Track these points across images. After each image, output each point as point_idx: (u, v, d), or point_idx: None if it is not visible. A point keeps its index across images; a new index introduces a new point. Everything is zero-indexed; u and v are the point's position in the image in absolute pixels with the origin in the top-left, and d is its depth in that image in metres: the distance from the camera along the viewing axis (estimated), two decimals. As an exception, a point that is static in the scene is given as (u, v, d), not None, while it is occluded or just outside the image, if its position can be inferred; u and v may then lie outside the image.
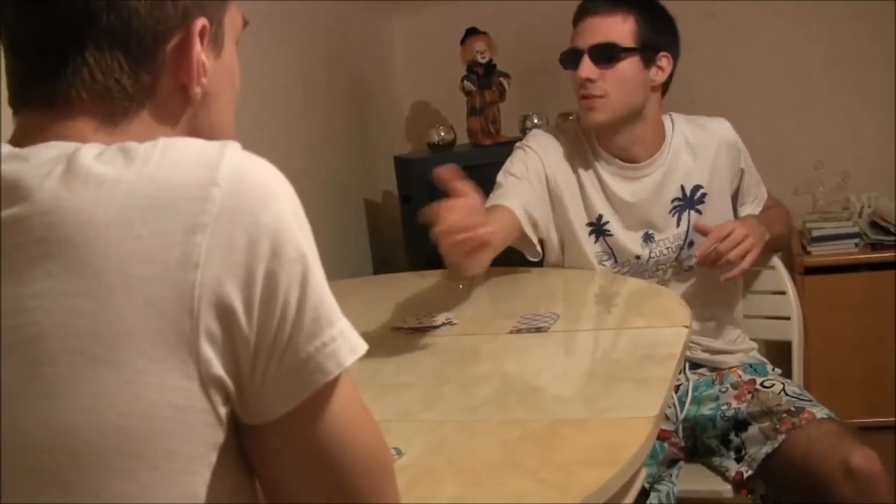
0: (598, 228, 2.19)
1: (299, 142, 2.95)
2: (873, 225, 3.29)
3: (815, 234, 3.23)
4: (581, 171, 2.20)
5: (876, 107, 3.42)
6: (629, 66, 2.10)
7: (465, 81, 3.28)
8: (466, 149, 3.32)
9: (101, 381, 0.74)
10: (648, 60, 2.12)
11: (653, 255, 2.18)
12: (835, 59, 3.44)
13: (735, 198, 2.26)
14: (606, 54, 2.08)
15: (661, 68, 2.14)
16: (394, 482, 0.91)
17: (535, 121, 3.32)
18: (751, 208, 2.27)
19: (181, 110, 0.90)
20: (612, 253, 2.19)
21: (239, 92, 0.99)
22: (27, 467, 0.76)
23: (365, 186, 3.46)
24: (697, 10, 3.48)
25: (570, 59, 2.13)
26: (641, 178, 2.19)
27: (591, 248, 2.19)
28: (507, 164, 2.23)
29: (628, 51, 2.09)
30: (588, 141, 2.23)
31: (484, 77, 3.27)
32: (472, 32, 3.30)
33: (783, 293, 2.35)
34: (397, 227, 3.31)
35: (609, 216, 2.18)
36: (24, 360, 0.75)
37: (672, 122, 2.23)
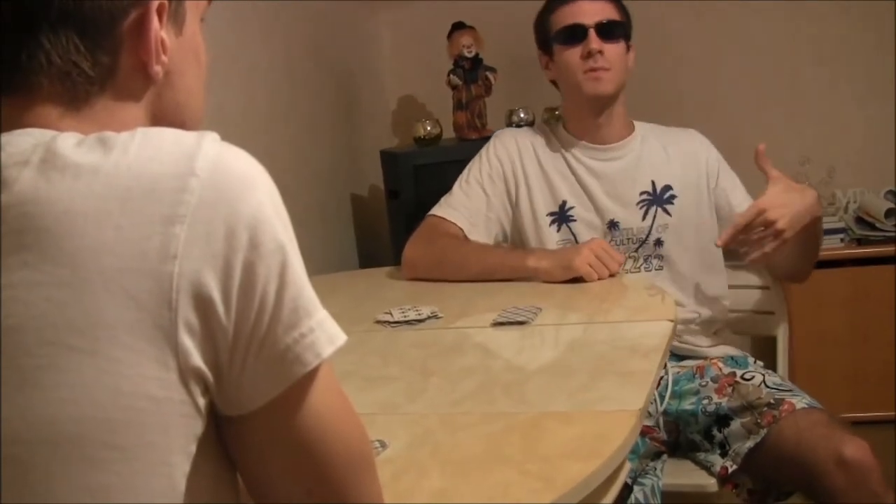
0: (561, 216, 2.26)
1: (285, 136, 2.94)
2: (859, 220, 3.30)
3: (801, 229, 3.23)
4: (547, 161, 2.29)
5: (862, 103, 3.44)
6: (623, 45, 2.25)
7: (452, 76, 3.28)
8: (452, 143, 3.32)
9: (79, 372, 0.73)
10: (628, 47, 2.28)
11: (614, 242, 2.22)
12: (821, 55, 3.45)
13: (721, 212, 2.26)
14: (610, 31, 2.21)
15: (630, 56, 2.29)
16: (374, 474, 0.91)
17: (522, 115, 3.32)
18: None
19: (144, 90, 0.88)
20: (576, 240, 2.23)
21: (207, 69, 0.96)
22: (5, 458, 0.75)
23: (351, 180, 3.46)
24: (684, 8, 3.49)
25: (572, 35, 2.22)
26: (612, 160, 2.27)
27: (552, 236, 2.25)
28: (469, 168, 2.34)
29: (624, 30, 2.25)
30: (555, 131, 2.34)
31: (470, 71, 3.27)
32: (458, 27, 3.30)
33: (768, 288, 2.35)
34: (383, 221, 3.31)
35: (574, 201, 2.25)
36: (1, 352, 0.74)
37: (642, 124, 2.35)
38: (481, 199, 2.28)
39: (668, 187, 2.25)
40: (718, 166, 2.29)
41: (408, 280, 2.25)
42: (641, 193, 2.24)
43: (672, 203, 2.23)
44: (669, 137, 2.32)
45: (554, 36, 2.26)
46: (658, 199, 2.24)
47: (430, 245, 2.25)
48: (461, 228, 2.25)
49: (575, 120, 2.32)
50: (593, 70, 2.19)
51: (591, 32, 2.19)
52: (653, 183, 2.25)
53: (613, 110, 2.26)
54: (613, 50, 2.21)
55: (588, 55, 2.18)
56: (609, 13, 2.23)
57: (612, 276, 2.07)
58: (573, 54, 2.21)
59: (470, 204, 2.27)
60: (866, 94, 3.42)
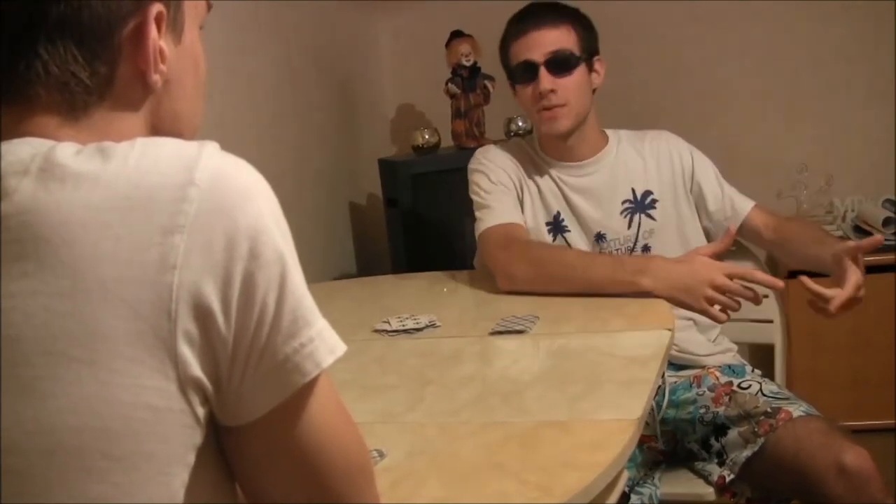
0: (556, 226, 2.27)
1: (284, 143, 2.95)
2: (857, 229, 3.30)
3: (799, 237, 3.23)
4: (536, 176, 2.30)
5: (860, 110, 3.44)
6: (580, 73, 2.20)
7: (450, 84, 3.28)
8: (451, 151, 3.32)
9: (78, 382, 0.73)
10: (590, 67, 2.24)
11: (604, 252, 2.23)
12: (820, 61, 3.45)
13: (703, 208, 2.29)
14: (563, 64, 2.18)
15: (597, 72, 2.27)
16: (373, 484, 0.91)
17: (520, 123, 3.32)
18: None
19: (142, 100, 0.88)
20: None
21: (205, 78, 0.96)
22: (3, 468, 0.75)
23: (349, 188, 3.46)
24: (682, 12, 3.50)
25: (524, 73, 2.21)
26: (589, 174, 2.28)
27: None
28: (478, 186, 2.29)
29: (579, 59, 2.20)
30: (534, 150, 2.33)
31: (468, 80, 3.27)
32: (456, 35, 3.29)
33: (766, 296, 2.35)
34: (381, 230, 3.31)
35: (565, 214, 2.27)
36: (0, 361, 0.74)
37: (615, 133, 2.34)
38: (510, 196, 2.25)
39: (648, 192, 2.26)
40: (692, 157, 2.30)
41: (506, 292, 2.12)
42: (623, 202, 2.26)
43: (654, 207, 2.25)
44: (643, 141, 2.32)
45: (510, 72, 2.27)
46: (640, 205, 2.26)
47: (524, 257, 2.12)
48: (520, 225, 2.22)
49: (546, 143, 2.32)
50: (547, 109, 2.18)
51: (542, 71, 2.16)
52: (633, 191, 2.26)
53: (582, 132, 2.25)
54: (566, 84, 2.17)
55: (540, 97, 2.17)
56: (561, 41, 2.18)
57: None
58: (527, 93, 2.22)
59: (508, 203, 2.24)
60: (865, 101, 3.42)
